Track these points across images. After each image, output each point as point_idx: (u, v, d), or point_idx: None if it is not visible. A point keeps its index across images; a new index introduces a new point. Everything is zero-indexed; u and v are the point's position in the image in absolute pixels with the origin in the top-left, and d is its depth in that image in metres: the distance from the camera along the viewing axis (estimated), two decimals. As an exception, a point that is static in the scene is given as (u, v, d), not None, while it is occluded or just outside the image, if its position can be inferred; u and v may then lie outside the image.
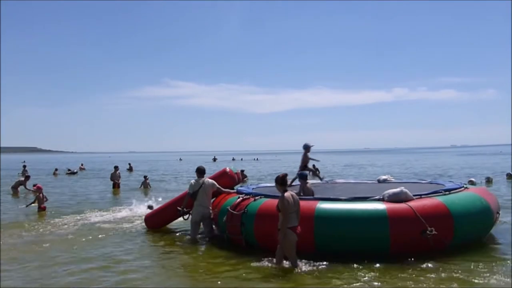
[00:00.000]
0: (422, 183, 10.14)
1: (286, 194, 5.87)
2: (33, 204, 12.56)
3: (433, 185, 8.91)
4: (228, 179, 9.23)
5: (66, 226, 10.02)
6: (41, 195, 12.38)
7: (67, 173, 32.88)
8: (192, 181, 8.59)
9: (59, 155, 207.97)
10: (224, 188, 8.78)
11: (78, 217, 11.09)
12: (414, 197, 6.80)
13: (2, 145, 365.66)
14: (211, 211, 8.51)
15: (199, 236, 8.44)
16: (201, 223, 8.49)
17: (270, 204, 6.93)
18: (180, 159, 71.59)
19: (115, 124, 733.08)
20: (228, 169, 9.45)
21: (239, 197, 7.92)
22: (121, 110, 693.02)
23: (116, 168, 20.42)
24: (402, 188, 6.83)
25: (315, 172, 11.06)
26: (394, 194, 6.68)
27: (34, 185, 17.25)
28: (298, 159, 11.89)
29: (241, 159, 68.00)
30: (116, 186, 19.37)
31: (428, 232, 6.12)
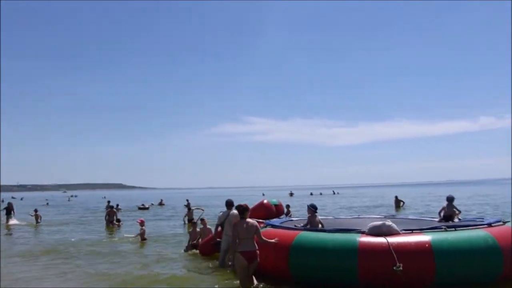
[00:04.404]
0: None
1: (240, 221, 6.55)
2: (133, 236, 14.03)
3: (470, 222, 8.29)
4: (264, 211, 9.63)
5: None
6: (143, 228, 13.59)
7: (139, 208, 33.48)
8: (220, 213, 9.25)
9: (142, 191, 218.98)
10: (262, 220, 9.11)
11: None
12: (403, 231, 6.47)
13: (92, 182, 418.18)
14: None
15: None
16: None
17: (267, 232, 7.37)
18: (263, 194, 72.37)
19: (194, 160, 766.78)
20: (265, 201, 9.86)
21: None
22: (200, 147, 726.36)
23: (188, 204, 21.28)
24: (386, 221, 6.54)
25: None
26: (375, 227, 6.45)
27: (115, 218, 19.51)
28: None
29: (320, 194, 66.74)
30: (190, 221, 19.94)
31: (395, 268, 5.77)
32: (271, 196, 60.66)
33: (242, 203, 6.82)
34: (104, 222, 19.91)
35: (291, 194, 63.11)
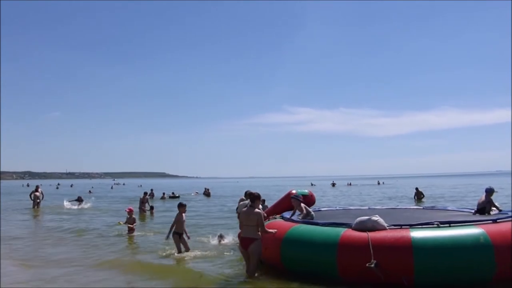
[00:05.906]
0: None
1: (248, 208, 6.84)
2: (122, 223, 13.59)
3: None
4: (291, 201, 9.73)
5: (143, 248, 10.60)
6: (132, 217, 12.82)
7: (170, 197, 33.88)
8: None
9: (184, 180, 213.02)
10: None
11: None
12: (391, 227, 6.44)
13: (136, 170, 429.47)
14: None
15: None
16: None
17: (271, 224, 7.72)
18: (312, 184, 70.31)
19: (237, 150, 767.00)
20: (293, 191, 9.95)
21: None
22: (243, 136, 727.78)
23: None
24: (373, 216, 6.53)
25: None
26: (360, 222, 6.46)
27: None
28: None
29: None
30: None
31: (367, 265, 5.76)
32: (317, 186, 60.10)
33: (254, 191, 7.20)
34: (138, 210, 19.99)
35: (333, 184, 62.48)
